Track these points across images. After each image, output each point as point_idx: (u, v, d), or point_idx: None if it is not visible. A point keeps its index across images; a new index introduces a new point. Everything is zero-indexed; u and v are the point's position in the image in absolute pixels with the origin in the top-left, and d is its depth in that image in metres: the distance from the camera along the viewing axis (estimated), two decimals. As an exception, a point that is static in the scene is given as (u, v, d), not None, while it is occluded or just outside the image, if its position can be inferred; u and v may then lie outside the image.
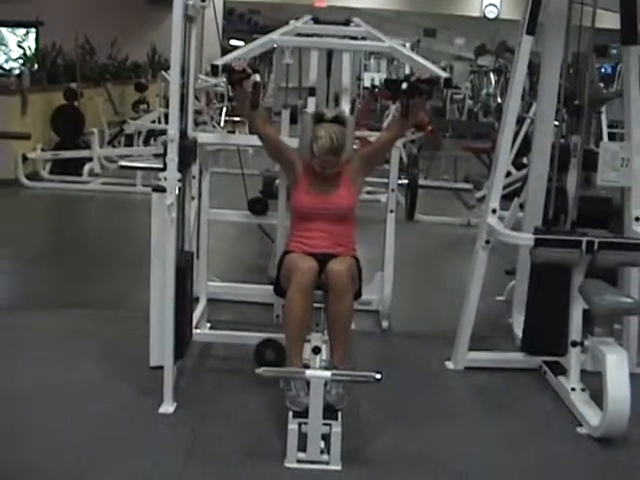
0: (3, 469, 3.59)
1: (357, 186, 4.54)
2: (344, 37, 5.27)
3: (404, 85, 4.31)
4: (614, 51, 13.02)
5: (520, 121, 9.08)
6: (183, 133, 4.28)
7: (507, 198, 6.39)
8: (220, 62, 4.26)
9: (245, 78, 4.26)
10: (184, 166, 4.20)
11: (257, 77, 4.27)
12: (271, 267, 5.56)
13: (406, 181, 9.43)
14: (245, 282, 6.01)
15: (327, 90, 5.39)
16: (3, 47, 12.96)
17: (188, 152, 4.32)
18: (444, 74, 4.31)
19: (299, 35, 5.17)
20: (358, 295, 4.36)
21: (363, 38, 5.24)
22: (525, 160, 8.39)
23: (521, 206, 6.65)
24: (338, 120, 4.43)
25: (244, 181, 6.06)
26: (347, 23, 5.41)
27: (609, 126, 10.14)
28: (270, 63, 15.26)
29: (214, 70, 4.25)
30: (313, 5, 21.01)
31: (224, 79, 15.51)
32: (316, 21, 5.40)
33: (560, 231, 4.88)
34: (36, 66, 12.47)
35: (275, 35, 4.86)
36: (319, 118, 4.46)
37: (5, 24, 12.97)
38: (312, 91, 5.24)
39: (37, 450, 3.76)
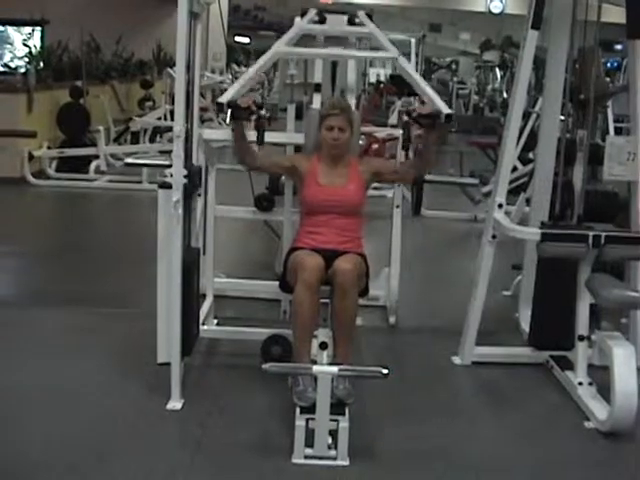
0: (8, 465, 3.60)
1: (366, 186, 4.56)
2: (349, 36, 5.27)
3: (405, 118, 4.34)
4: (619, 46, 13.01)
5: (526, 116, 9.08)
6: (189, 164, 4.29)
7: (513, 193, 6.39)
8: (225, 99, 4.26)
9: (250, 115, 4.33)
10: (189, 194, 4.24)
11: (262, 112, 4.36)
12: (278, 263, 5.56)
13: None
14: (252, 278, 6.02)
15: (332, 86, 5.38)
16: (9, 46, 12.96)
17: (193, 181, 4.33)
18: (446, 109, 4.26)
19: (303, 37, 5.18)
20: (366, 292, 4.38)
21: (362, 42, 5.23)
22: (531, 155, 8.40)
23: (527, 201, 6.66)
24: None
25: (250, 177, 6.06)
26: (352, 19, 5.39)
27: (615, 120, 10.12)
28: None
29: (220, 108, 4.25)
30: (319, 1, 21.01)
31: (229, 77, 15.56)
32: (321, 17, 5.37)
33: (567, 225, 4.88)
34: (42, 64, 12.47)
35: (280, 46, 4.83)
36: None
37: (11, 23, 12.98)
38: (318, 87, 5.23)
39: (43, 446, 3.77)
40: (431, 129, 4.35)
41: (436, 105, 4.30)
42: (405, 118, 4.36)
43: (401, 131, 4.53)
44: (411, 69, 4.73)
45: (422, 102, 4.43)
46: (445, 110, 4.24)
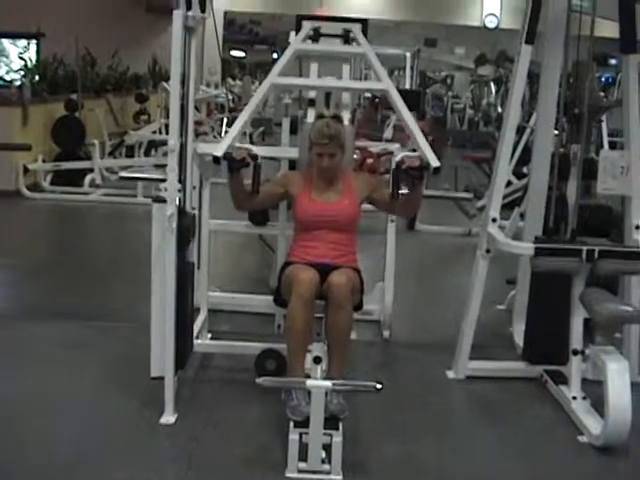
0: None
1: (360, 202, 4.56)
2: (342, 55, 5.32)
3: (394, 168, 4.38)
4: (613, 61, 13.01)
5: (520, 130, 9.10)
6: (181, 210, 4.30)
7: (508, 207, 6.40)
8: (220, 152, 4.29)
9: (245, 166, 4.35)
10: (182, 246, 4.26)
11: (258, 159, 4.42)
12: (272, 277, 5.56)
13: (406, 191, 9.42)
14: (246, 292, 6.01)
15: (327, 101, 5.39)
16: (4, 59, 12.96)
17: (185, 231, 4.34)
18: (434, 162, 4.28)
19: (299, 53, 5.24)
20: (359, 306, 4.37)
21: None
22: (525, 169, 8.41)
23: (522, 215, 6.66)
24: (336, 117, 4.59)
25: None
26: (347, 35, 5.41)
27: (610, 135, 10.14)
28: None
29: (216, 161, 4.28)
30: (314, 12, 21.00)
31: (224, 91, 15.60)
32: (316, 32, 5.39)
33: (560, 240, 4.88)
34: (37, 77, 12.47)
35: (274, 77, 4.86)
36: (318, 116, 4.63)
37: (6, 35, 12.97)
38: (312, 102, 5.25)
39: (35, 460, 3.75)
40: (419, 180, 4.38)
41: (425, 156, 4.32)
42: (394, 168, 4.40)
43: (390, 182, 4.55)
44: (403, 106, 4.76)
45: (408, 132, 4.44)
46: (434, 163, 4.27)
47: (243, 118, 4.67)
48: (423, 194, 4.67)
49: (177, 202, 4.11)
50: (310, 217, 4.45)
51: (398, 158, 4.36)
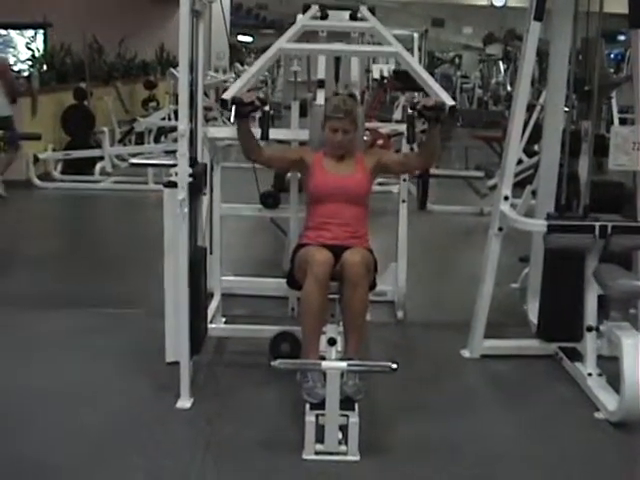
0: (17, 465, 3.61)
1: (372, 176, 4.57)
2: (352, 31, 5.28)
3: (409, 111, 4.33)
4: (622, 37, 12.94)
5: (530, 108, 9.07)
6: (194, 160, 4.30)
7: (519, 185, 6.38)
8: (229, 95, 4.26)
9: (254, 111, 4.31)
10: (195, 194, 4.25)
11: (266, 107, 4.35)
12: (285, 260, 5.57)
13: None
14: (259, 276, 6.02)
15: (336, 82, 5.39)
16: (12, 49, 12.99)
17: (198, 180, 4.34)
18: (449, 101, 4.22)
19: (305, 34, 5.19)
20: (373, 286, 4.37)
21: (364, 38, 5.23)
22: (536, 147, 8.38)
23: (533, 193, 6.64)
24: (351, 95, 4.66)
25: (255, 175, 6.05)
26: (354, 14, 5.39)
27: (620, 111, 10.10)
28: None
29: (223, 104, 4.24)
30: (320, -2, 20.91)
31: (232, 75, 15.58)
32: (323, 12, 5.37)
33: (573, 217, 4.87)
34: (45, 67, 12.50)
35: (283, 42, 4.83)
36: (334, 94, 4.72)
37: (13, 26, 13.00)
38: (321, 83, 5.23)
39: (53, 446, 3.78)
40: (435, 121, 4.34)
41: (440, 97, 4.29)
42: (409, 111, 4.34)
43: (406, 125, 4.50)
44: (414, 62, 4.73)
45: (426, 95, 4.43)
46: (449, 102, 4.22)
47: (252, 71, 4.61)
48: (439, 151, 4.66)
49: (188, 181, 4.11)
50: (323, 188, 4.45)
51: (414, 101, 4.33)
